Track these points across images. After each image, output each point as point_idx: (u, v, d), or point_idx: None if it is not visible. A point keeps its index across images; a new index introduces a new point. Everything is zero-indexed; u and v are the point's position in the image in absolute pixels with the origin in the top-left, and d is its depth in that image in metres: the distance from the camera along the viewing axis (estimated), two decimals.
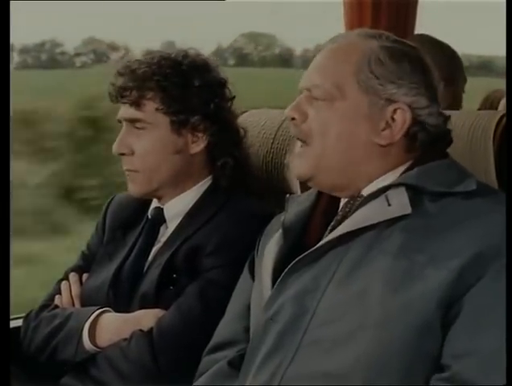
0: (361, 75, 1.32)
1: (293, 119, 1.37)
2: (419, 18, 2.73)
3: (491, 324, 1.16)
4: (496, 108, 2.68)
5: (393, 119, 1.32)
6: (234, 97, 1.74)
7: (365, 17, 2.66)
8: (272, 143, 1.79)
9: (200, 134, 1.68)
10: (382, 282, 1.21)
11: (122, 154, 1.69)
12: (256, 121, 1.81)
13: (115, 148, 1.69)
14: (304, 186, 1.70)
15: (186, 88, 1.66)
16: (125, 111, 1.68)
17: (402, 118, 1.32)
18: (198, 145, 1.69)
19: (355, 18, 2.67)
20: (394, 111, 1.32)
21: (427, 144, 1.34)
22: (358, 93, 1.32)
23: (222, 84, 1.72)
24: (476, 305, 1.18)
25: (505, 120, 1.44)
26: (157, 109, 1.65)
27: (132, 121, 1.67)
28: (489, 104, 2.75)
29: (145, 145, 1.67)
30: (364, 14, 2.66)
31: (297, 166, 1.39)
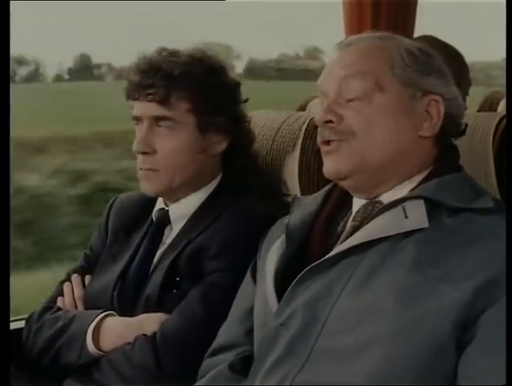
0: (397, 68, 1.31)
1: (329, 122, 1.32)
2: (419, 18, 2.73)
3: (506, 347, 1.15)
4: (495, 110, 2.68)
5: (427, 112, 1.32)
6: (248, 100, 1.75)
7: (364, 17, 2.66)
8: (272, 144, 1.79)
9: (223, 135, 1.69)
10: (395, 296, 1.19)
11: (144, 153, 1.66)
12: (255, 123, 1.81)
13: (138, 147, 1.66)
14: (305, 188, 1.71)
15: (214, 89, 1.67)
16: (152, 108, 1.65)
17: (437, 110, 1.32)
18: (220, 145, 1.69)
19: (355, 18, 2.67)
20: (428, 104, 1.32)
21: (451, 138, 1.35)
22: (397, 86, 1.31)
23: (238, 85, 1.73)
24: (492, 327, 1.16)
25: (504, 121, 1.44)
26: (188, 110, 1.65)
27: (158, 119, 1.66)
28: (488, 105, 2.74)
29: (171, 145, 1.65)
30: (364, 14, 2.67)
31: (334, 162, 1.33)
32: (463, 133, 1.38)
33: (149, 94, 1.64)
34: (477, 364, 1.16)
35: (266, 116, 1.86)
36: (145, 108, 1.66)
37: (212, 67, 1.68)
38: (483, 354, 1.16)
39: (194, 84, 1.64)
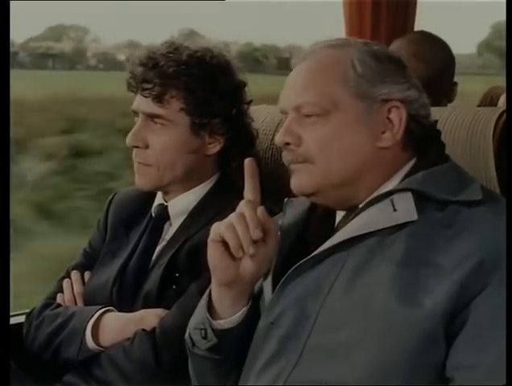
0: (350, 81, 1.28)
1: (287, 144, 1.31)
2: (419, 17, 2.73)
3: (495, 336, 1.14)
4: (495, 105, 2.68)
5: (389, 119, 1.29)
6: (251, 101, 1.74)
7: (364, 17, 2.66)
8: (272, 139, 1.78)
9: (217, 137, 1.68)
10: (385, 291, 1.19)
11: (136, 147, 1.67)
12: (256, 118, 1.81)
13: (129, 140, 1.67)
14: None
15: (211, 90, 1.65)
16: (146, 104, 1.65)
17: (398, 116, 1.29)
18: (215, 146, 1.69)
19: (355, 18, 2.67)
20: (389, 111, 1.29)
21: (421, 138, 1.31)
22: (352, 101, 1.28)
23: (242, 86, 1.72)
24: (481, 316, 1.15)
25: (504, 116, 1.44)
26: (181, 109, 1.64)
27: (151, 116, 1.66)
28: (488, 100, 2.74)
29: (162, 142, 1.65)
30: (364, 14, 2.67)
31: (298, 182, 1.32)
32: (434, 130, 1.35)
33: (144, 89, 1.65)
34: (466, 354, 1.15)
35: (267, 110, 1.85)
36: (140, 102, 1.66)
37: (213, 68, 1.66)
38: (472, 344, 1.15)
39: (189, 84, 1.63)
